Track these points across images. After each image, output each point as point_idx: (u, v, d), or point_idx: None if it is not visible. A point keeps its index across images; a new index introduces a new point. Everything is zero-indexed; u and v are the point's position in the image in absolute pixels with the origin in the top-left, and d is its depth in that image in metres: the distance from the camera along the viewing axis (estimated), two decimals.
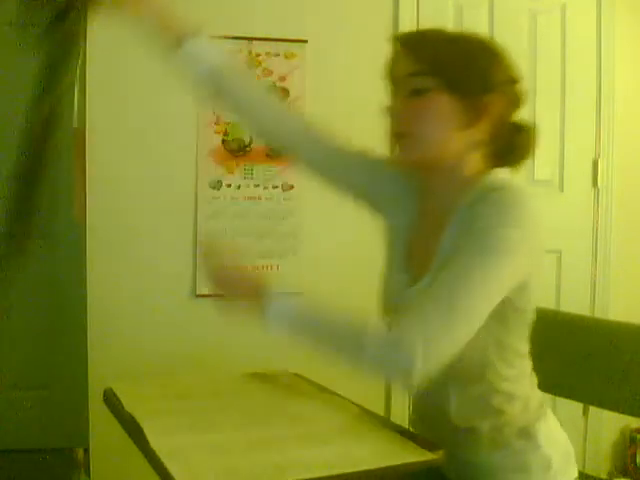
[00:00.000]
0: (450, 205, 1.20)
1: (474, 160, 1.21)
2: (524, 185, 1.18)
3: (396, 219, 1.32)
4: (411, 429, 1.37)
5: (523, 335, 1.23)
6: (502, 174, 1.21)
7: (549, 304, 2.50)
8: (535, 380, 1.28)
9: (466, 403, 1.22)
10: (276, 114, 1.41)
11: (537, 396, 1.27)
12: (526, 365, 1.26)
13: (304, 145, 1.40)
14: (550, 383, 1.30)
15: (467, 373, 1.18)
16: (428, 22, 2.59)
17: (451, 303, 1.05)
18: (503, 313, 1.15)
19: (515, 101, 1.22)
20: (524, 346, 1.24)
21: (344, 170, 1.40)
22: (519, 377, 1.25)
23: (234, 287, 1.20)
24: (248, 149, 2.44)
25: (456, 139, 1.19)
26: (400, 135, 1.21)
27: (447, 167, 1.21)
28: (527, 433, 1.22)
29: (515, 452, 1.22)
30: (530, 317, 1.22)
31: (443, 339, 1.04)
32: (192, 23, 1.31)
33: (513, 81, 1.22)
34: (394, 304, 1.25)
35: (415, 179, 1.29)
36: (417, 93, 1.18)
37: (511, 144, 1.23)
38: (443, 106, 1.17)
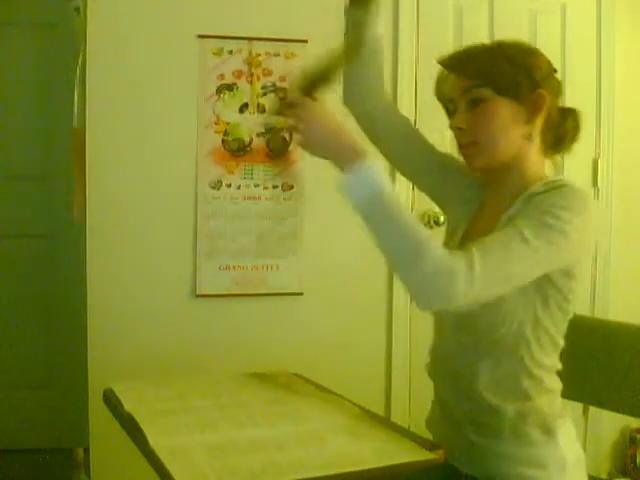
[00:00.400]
0: (512, 196, 1.27)
1: (533, 153, 1.29)
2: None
3: (457, 213, 1.41)
4: (430, 419, 1.42)
5: (561, 323, 1.27)
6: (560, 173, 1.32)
7: None
8: (560, 386, 1.31)
9: (496, 380, 1.25)
10: (386, 100, 1.53)
11: (560, 400, 1.31)
12: (557, 363, 1.30)
13: (400, 137, 1.50)
14: None
15: (502, 346, 1.21)
16: (428, 22, 2.59)
17: (499, 258, 1.11)
18: (545, 291, 1.22)
19: (558, 89, 1.32)
20: (559, 337, 1.28)
21: (425, 171, 1.49)
22: (550, 370, 1.29)
23: (325, 140, 1.20)
24: (248, 149, 2.44)
25: (517, 138, 1.27)
26: (466, 145, 1.29)
27: (510, 163, 1.29)
28: (549, 428, 1.25)
29: (534, 446, 1.25)
30: (571, 310, 1.28)
31: (484, 283, 1.09)
32: None
33: (552, 72, 1.31)
34: None
35: (480, 176, 1.38)
36: (475, 104, 1.26)
37: (562, 129, 1.32)
38: (501, 111, 1.25)
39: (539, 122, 1.27)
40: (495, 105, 1.25)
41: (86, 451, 2.40)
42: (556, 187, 1.21)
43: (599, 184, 2.79)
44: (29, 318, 3.12)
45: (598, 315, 2.70)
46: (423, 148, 1.49)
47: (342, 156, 1.17)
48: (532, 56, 1.29)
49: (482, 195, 1.38)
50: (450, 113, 1.34)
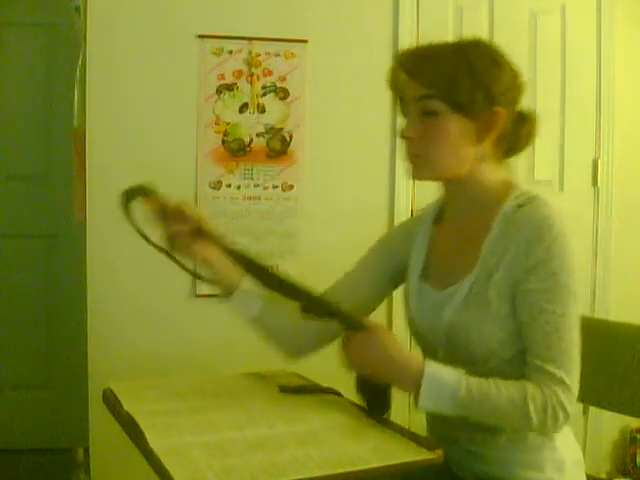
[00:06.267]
0: (482, 216, 1.26)
1: (487, 165, 1.26)
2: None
3: (416, 247, 1.39)
4: (426, 425, 1.40)
5: None
6: (522, 184, 1.27)
7: None
8: None
9: None
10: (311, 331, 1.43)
11: None
12: None
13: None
14: None
15: (497, 374, 1.19)
16: (428, 22, 2.59)
17: (567, 351, 1.18)
18: None
19: (518, 97, 1.27)
20: None
21: (385, 287, 1.48)
22: None
23: (379, 369, 1.19)
24: (248, 149, 2.45)
25: (468, 156, 1.24)
26: (414, 157, 1.26)
27: (463, 179, 1.27)
28: None
29: (531, 449, 1.24)
30: None
31: (574, 384, 1.18)
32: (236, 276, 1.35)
33: (515, 80, 1.25)
34: (428, 316, 1.32)
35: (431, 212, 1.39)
36: (427, 115, 1.22)
37: (516, 137, 1.28)
38: (453, 127, 1.22)
39: (491, 139, 1.24)
40: (447, 121, 1.21)
41: (86, 451, 2.40)
42: (527, 202, 1.21)
43: (599, 184, 2.79)
44: (29, 318, 3.12)
45: (598, 315, 2.70)
46: (368, 285, 1.46)
47: (402, 381, 1.18)
48: (495, 67, 1.22)
49: (439, 222, 1.38)
50: (401, 109, 1.30)
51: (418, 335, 1.37)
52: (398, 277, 1.45)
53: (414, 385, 1.15)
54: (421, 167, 1.26)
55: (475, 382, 1.14)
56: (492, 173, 1.27)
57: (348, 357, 1.20)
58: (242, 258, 1.32)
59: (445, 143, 1.22)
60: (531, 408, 1.13)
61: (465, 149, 1.23)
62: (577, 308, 1.21)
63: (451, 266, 1.29)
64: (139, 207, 1.30)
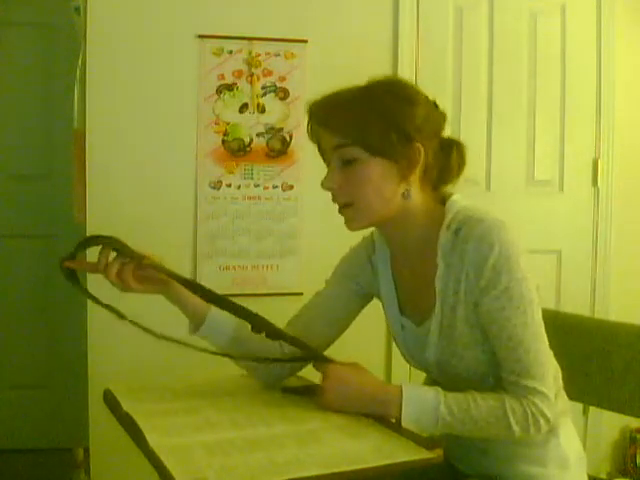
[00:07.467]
0: (423, 245, 1.25)
1: (417, 200, 1.24)
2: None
3: (383, 281, 1.38)
4: None
5: None
6: (456, 201, 1.25)
7: (549, 304, 2.49)
8: (560, 381, 1.32)
9: None
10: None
11: (564, 397, 1.32)
12: (559, 380, 1.32)
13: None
14: None
15: (495, 389, 1.21)
16: (428, 22, 2.60)
17: (538, 359, 1.18)
18: None
19: (439, 127, 1.26)
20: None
21: (348, 314, 1.46)
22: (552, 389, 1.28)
23: (356, 404, 1.20)
24: (248, 149, 2.45)
25: (394, 196, 1.22)
26: (343, 207, 1.25)
27: (394, 218, 1.25)
28: (551, 427, 1.23)
29: (536, 445, 1.25)
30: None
31: (549, 388, 1.18)
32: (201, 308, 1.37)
33: (431, 112, 1.24)
34: (415, 352, 1.33)
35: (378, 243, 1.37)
36: (347, 163, 1.21)
37: (446, 166, 1.26)
38: (374, 171, 1.20)
39: (416, 175, 1.22)
40: (367, 166, 1.19)
41: (86, 451, 2.40)
42: (462, 226, 1.20)
43: (599, 184, 2.79)
44: (29, 318, 3.12)
45: (598, 315, 2.70)
46: (343, 310, 1.46)
47: (384, 408, 1.18)
48: (406, 104, 1.20)
49: (390, 254, 1.36)
50: (323, 158, 1.29)
51: (414, 366, 1.38)
52: (365, 298, 1.45)
53: (396, 408, 1.16)
54: (353, 216, 1.24)
55: (452, 395, 1.17)
56: (422, 204, 1.25)
57: (325, 401, 1.21)
58: (193, 286, 1.33)
59: (368, 189, 1.21)
60: (512, 420, 1.15)
61: (390, 190, 1.21)
62: (538, 311, 1.20)
63: (419, 303, 1.30)
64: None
